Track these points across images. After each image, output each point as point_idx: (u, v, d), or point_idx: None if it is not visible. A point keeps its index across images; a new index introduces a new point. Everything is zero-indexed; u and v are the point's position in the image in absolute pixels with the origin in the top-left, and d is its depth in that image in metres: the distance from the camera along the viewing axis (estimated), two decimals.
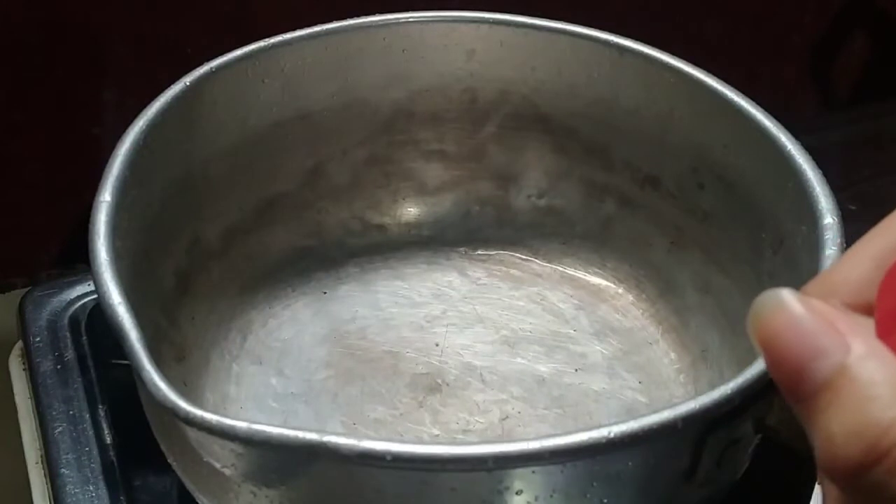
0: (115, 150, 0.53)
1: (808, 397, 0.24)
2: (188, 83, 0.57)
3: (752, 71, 0.60)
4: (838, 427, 0.23)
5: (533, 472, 0.44)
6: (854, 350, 0.24)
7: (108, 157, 0.53)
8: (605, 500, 0.45)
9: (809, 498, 0.50)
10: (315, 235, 0.66)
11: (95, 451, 0.59)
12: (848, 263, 0.28)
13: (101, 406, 0.61)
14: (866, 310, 0.27)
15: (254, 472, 0.45)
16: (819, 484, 0.26)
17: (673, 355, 0.62)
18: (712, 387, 0.44)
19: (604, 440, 0.42)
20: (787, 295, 0.26)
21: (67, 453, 0.59)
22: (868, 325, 0.27)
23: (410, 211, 0.68)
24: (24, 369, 0.65)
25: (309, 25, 0.61)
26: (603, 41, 0.61)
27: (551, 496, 0.44)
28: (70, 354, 0.63)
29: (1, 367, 0.66)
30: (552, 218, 0.67)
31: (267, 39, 0.60)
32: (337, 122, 0.64)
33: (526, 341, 0.63)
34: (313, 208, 0.66)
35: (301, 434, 0.41)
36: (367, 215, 0.67)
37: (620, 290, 0.66)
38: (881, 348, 0.25)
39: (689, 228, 0.62)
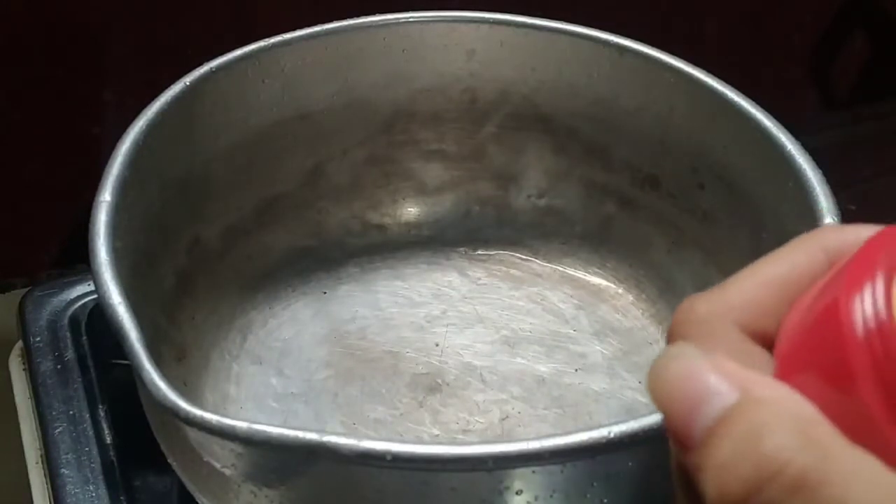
0: (115, 149, 0.53)
1: (699, 439, 0.24)
2: (188, 83, 0.57)
3: (752, 71, 0.60)
4: (728, 456, 0.23)
5: (533, 472, 0.44)
6: (750, 390, 0.23)
7: (109, 157, 0.53)
8: (605, 500, 0.45)
9: None
10: (315, 235, 0.66)
11: (95, 451, 0.58)
12: (745, 284, 0.26)
13: (101, 406, 0.61)
14: (759, 337, 0.26)
15: (254, 472, 0.45)
16: None
17: None
18: None
19: (604, 440, 0.42)
20: (680, 345, 0.25)
21: (67, 453, 0.58)
22: (763, 358, 0.26)
23: (410, 211, 0.68)
24: (24, 369, 0.65)
25: (309, 25, 0.61)
26: (603, 41, 0.61)
27: (551, 496, 0.44)
28: (70, 354, 0.63)
29: (1, 367, 0.66)
30: (552, 218, 0.67)
31: (267, 39, 0.60)
32: (337, 122, 0.64)
33: (526, 341, 0.63)
34: (313, 208, 0.66)
35: (301, 434, 0.41)
36: (367, 215, 0.67)
37: (620, 290, 0.66)
38: (776, 385, 0.24)
39: (689, 228, 0.62)
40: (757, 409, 0.23)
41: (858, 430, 0.23)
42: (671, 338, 0.27)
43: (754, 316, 0.26)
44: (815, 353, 0.25)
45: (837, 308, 0.24)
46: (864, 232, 0.26)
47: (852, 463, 0.22)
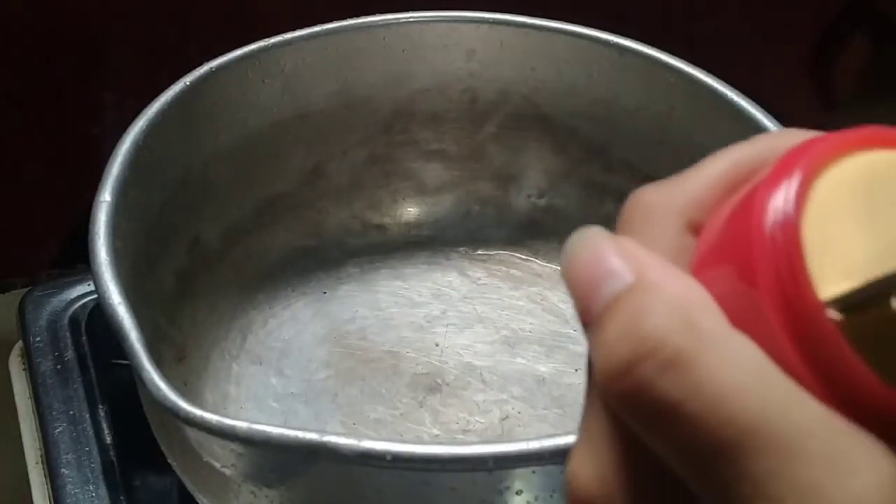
0: (116, 150, 0.53)
1: (595, 317, 0.25)
2: (188, 83, 0.57)
3: (752, 71, 0.60)
4: (612, 333, 0.24)
5: (533, 472, 0.44)
6: (644, 274, 0.24)
7: (109, 157, 0.53)
8: None
9: None
10: (315, 235, 0.66)
11: (95, 451, 0.58)
12: (692, 179, 0.27)
13: (101, 406, 0.61)
14: (699, 231, 0.26)
15: (254, 472, 0.45)
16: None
17: None
18: None
19: None
20: (592, 229, 0.26)
21: (67, 453, 0.58)
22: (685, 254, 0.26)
23: (410, 211, 0.68)
24: (24, 369, 0.65)
25: (309, 25, 0.61)
26: (603, 41, 0.61)
27: (551, 496, 0.44)
28: (70, 354, 0.63)
29: (1, 367, 0.66)
30: (552, 217, 0.67)
31: (267, 39, 0.60)
32: (337, 122, 0.64)
33: (526, 341, 0.63)
34: (313, 208, 0.66)
35: (301, 434, 0.41)
36: (367, 215, 0.67)
37: None
38: (673, 272, 0.25)
39: None
40: (644, 291, 0.24)
41: (751, 322, 0.24)
42: (619, 225, 0.27)
43: (696, 210, 0.27)
44: (725, 246, 0.25)
45: (751, 203, 0.24)
46: (807, 136, 0.26)
47: (729, 348, 0.23)
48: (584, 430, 0.25)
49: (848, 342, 0.23)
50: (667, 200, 0.27)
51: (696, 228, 0.27)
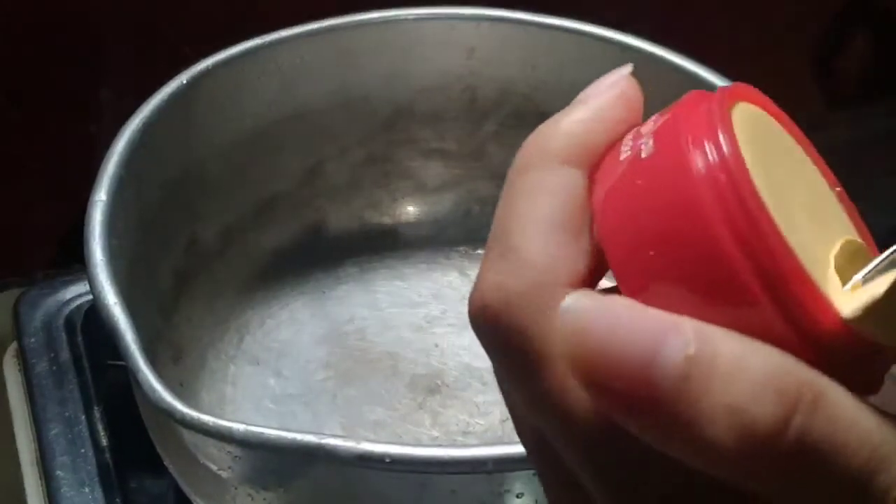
0: (111, 148, 0.53)
1: (669, 391, 0.22)
2: (185, 81, 0.57)
3: (756, 69, 0.60)
4: (737, 396, 0.22)
5: (533, 474, 0.43)
6: (686, 332, 0.22)
7: (105, 156, 0.53)
8: None
9: None
10: (313, 235, 0.66)
11: (91, 453, 0.58)
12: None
13: (96, 407, 0.61)
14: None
15: (251, 474, 0.45)
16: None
17: None
18: None
19: None
20: (579, 300, 0.24)
21: (63, 455, 0.58)
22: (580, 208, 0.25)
23: (410, 210, 0.68)
24: (19, 370, 0.64)
25: (307, 22, 0.61)
26: (605, 38, 0.61)
27: None
28: (65, 355, 0.63)
29: None
30: None
31: (264, 36, 0.60)
32: (335, 120, 0.64)
33: None
34: (312, 207, 0.66)
35: (299, 436, 0.41)
36: (366, 214, 0.67)
37: None
38: (701, 325, 0.23)
39: None
40: (722, 345, 0.23)
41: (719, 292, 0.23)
42: (508, 180, 0.26)
43: (585, 152, 0.26)
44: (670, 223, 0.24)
45: (682, 160, 0.24)
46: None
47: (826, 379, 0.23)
48: None
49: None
50: (555, 144, 0.26)
51: (587, 172, 0.26)
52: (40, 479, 0.59)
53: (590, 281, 0.25)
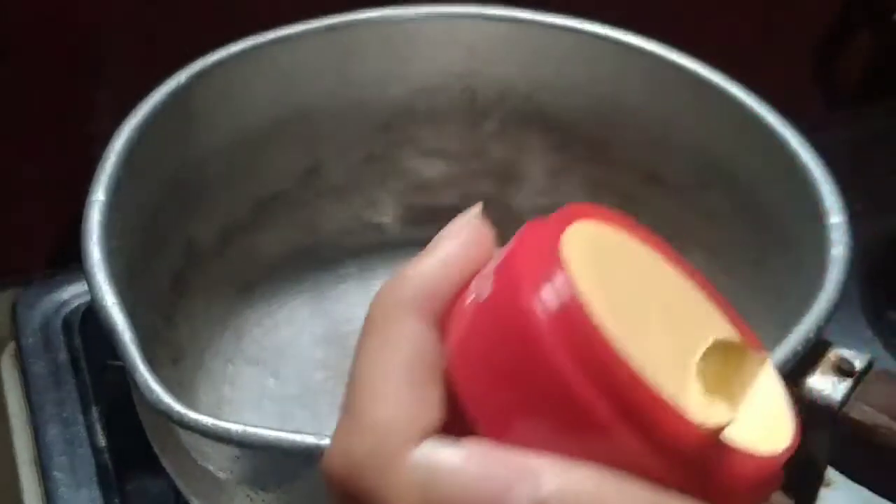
0: (109, 147, 0.53)
1: None
2: (182, 80, 0.57)
3: (757, 68, 0.60)
4: None
5: None
6: (537, 474, 0.23)
7: (103, 155, 0.53)
8: None
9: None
10: (312, 235, 0.66)
11: (89, 454, 0.58)
12: (425, 266, 0.27)
13: (94, 408, 0.61)
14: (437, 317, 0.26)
15: (250, 475, 0.45)
16: None
17: None
18: None
19: None
20: (428, 453, 0.24)
21: (60, 456, 0.58)
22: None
23: (409, 210, 0.67)
24: (16, 370, 0.64)
25: (305, 20, 0.61)
26: (605, 37, 0.61)
27: None
28: (63, 356, 0.63)
29: None
30: None
31: (263, 35, 0.60)
32: (335, 119, 0.64)
33: None
34: (310, 207, 0.65)
35: (298, 437, 0.41)
36: (365, 214, 0.67)
37: None
38: (565, 467, 0.23)
39: (692, 227, 0.62)
40: (580, 481, 0.23)
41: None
42: (364, 326, 0.28)
43: (433, 302, 0.27)
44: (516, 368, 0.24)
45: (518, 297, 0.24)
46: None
47: None
48: None
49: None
50: (402, 296, 0.27)
51: (437, 320, 0.26)
52: (38, 479, 0.59)
53: (451, 427, 0.25)
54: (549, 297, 0.24)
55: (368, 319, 0.28)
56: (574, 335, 0.23)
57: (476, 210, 0.29)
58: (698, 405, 0.24)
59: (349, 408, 0.26)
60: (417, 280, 0.27)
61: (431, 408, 0.25)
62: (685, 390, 0.24)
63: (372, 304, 0.28)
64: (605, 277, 0.25)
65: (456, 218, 0.29)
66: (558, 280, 0.24)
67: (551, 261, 0.25)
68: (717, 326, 0.27)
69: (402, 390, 0.25)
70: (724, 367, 0.26)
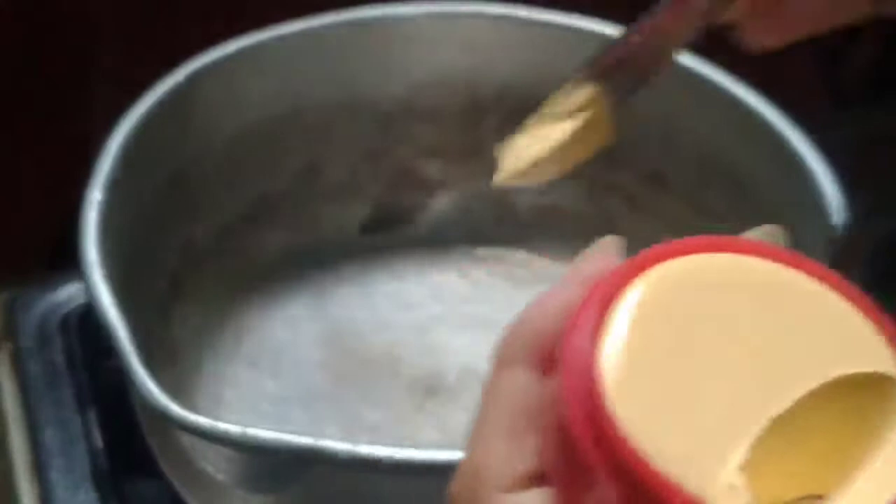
0: (107, 147, 0.53)
1: None
2: (180, 79, 0.57)
3: (761, 68, 0.60)
4: None
5: None
6: None
7: (100, 154, 0.53)
8: None
9: None
10: (311, 234, 0.66)
11: (86, 456, 0.58)
12: (535, 315, 0.28)
13: (91, 409, 0.60)
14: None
15: (247, 477, 0.45)
16: None
17: None
18: None
19: None
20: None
21: (57, 457, 0.58)
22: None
23: (409, 209, 0.67)
24: (13, 372, 0.64)
25: (304, 19, 0.61)
26: (607, 36, 0.61)
27: None
28: (60, 357, 0.63)
29: None
30: (554, 216, 0.67)
31: (261, 33, 0.60)
32: (334, 118, 0.64)
33: None
34: (309, 207, 0.65)
35: (296, 439, 0.41)
36: (364, 214, 0.67)
37: None
38: None
39: (694, 227, 0.61)
40: None
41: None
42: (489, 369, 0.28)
43: (545, 349, 0.27)
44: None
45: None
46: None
47: None
48: None
49: None
50: (515, 345, 0.28)
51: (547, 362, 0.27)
52: (35, 481, 0.59)
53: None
54: (579, 389, 0.25)
55: (489, 369, 0.28)
56: (593, 425, 0.24)
57: (608, 244, 0.30)
58: (723, 487, 0.24)
59: (465, 448, 0.28)
60: (532, 328, 0.28)
61: (525, 457, 0.26)
62: (717, 468, 0.24)
63: (494, 348, 0.28)
64: (660, 339, 0.25)
65: (590, 249, 0.30)
66: (590, 374, 0.25)
67: (591, 354, 0.25)
68: (860, 359, 0.25)
69: (500, 439, 0.27)
70: (859, 407, 0.25)
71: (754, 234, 0.29)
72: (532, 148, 0.49)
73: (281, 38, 0.60)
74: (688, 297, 0.26)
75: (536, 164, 0.48)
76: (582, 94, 0.48)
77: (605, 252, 0.29)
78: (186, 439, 0.44)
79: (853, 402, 0.25)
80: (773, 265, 0.27)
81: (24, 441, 0.61)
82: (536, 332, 0.28)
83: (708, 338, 0.26)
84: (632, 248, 0.68)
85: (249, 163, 0.62)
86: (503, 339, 0.28)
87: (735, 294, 0.27)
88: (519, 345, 0.28)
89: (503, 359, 0.28)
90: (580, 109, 0.48)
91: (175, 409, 0.42)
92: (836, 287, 0.27)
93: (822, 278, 0.27)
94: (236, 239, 0.63)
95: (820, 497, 0.25)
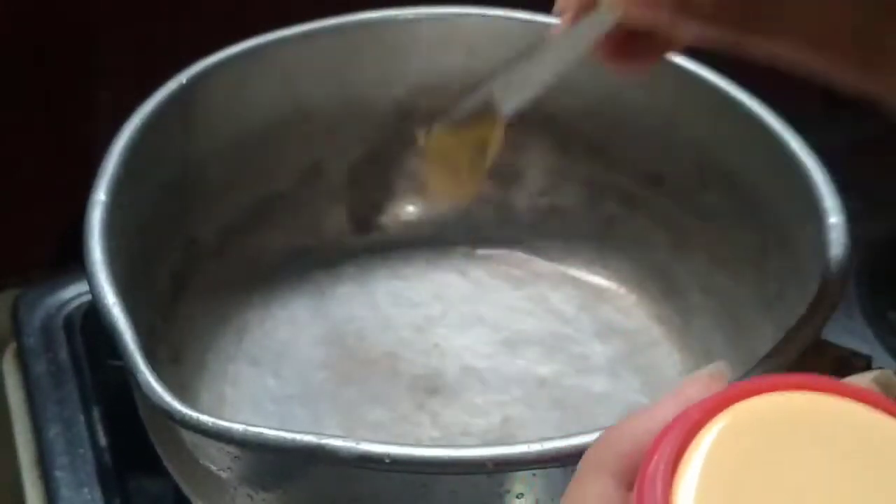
0: (111, 148, 0.53)
1: None
2: (184, 81, 0.57)
3: (757, 69, 0.60)
4: None
5: (534, 475, 0.43)
6: None
7: (104, 156, 0.53)
8: None
9: None
10: (313, 235, 0.66)
11: (90, 454, 0.58)
12: (626, 433, 0.28)
13: (95, 408, 0.61)
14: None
15: (250, 475, 0.45)
16: None
17: (676, 357, 0.62)
18: None
19: None
20: None
21: (62, 455, 0.58)
22: None
23: (410, 210, 0.67)
24: (17, 370, 0.64)
25: (306, 22, 0.61)
26: None
27: (552, 500, 0.44)
28: (64, 355, 0.63)
29: None
30: (554, 217, 0.67)
31: (264, 36, 0.60)
32: (335, 120, 0.64)
33: (527, 342, 0.62)
34: (311, 207, 0.65)
35: (298, 437, 0.41)
36: (365, 214, 0.67)
37: (623, 291, 0.65)
38: None
39: (692, 228, 0.62)
40: None
41: None
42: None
43: (633, 462, 0.28)
44: None
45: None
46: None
47: None
48: None
49: None
50: (603, 455, 0.28)
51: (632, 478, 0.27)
52: (39, 479, 0.59)
53: None
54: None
55: (576, 470, 0.29)
56: None
57: (718, 370, 0.30)
58: None
59: None
60: (625, 439, 0.28)
61: None
62: None
63: (583, 454, 0.29)
64: (733, 482, 0.25)
65: (702, 371, 0.30)
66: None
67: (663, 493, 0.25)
68: None
69: None
70: None
71: (864, 379, 0.27)
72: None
73: (283, 41, 0.60)
74: (769, 439, 0.26)
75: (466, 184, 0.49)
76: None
77: (712, 378, 0.29)
78: (189, 437, 0.44)
79: None
80: (875, 414, 0.26)
81: (28, 439, 0.61)
82: (628, 445, 0.28)
83: (782, 484, 0.25)
84: (631, 248, 0.69)
85: (252, 164, 0.62)
86: (597, 443, 0.29)
87: (819, 439, 0.26)
88: (610, 454, 0.28)
89: (593, 463, 0.28)
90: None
91: (178, 407, 0.42)
92: None
93: None
94: (239, 239, 0.63)
95: None
